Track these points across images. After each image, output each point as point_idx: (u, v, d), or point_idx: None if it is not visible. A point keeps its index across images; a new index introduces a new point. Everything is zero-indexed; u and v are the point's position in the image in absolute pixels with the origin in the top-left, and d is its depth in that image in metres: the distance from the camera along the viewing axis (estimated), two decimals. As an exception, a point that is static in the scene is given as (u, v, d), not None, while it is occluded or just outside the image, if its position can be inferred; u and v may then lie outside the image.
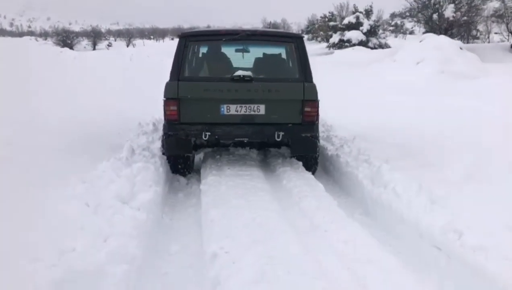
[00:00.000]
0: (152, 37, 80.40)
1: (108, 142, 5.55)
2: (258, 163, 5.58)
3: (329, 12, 38.19)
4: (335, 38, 30.88)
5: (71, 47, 47.86)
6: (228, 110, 4.77)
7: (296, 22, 72.27)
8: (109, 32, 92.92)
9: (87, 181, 3.67)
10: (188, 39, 4.94)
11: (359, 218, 4.09)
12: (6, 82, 9.48)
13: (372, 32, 29.66)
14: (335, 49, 29.67)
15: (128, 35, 68.42)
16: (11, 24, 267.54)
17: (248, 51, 5.95)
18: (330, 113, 7.38)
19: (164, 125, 4.94)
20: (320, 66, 19.29)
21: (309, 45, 37.38)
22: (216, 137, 4.89)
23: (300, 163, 5.31)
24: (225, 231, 3.28)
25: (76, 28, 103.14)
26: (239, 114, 4.80)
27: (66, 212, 3.07)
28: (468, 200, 3.54)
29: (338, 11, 37.66)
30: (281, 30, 6.66)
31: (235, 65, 5.62)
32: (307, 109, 4.83)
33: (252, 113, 4.80)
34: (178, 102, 4.71)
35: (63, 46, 46.78)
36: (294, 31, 62.69)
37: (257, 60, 5.63)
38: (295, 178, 4.80)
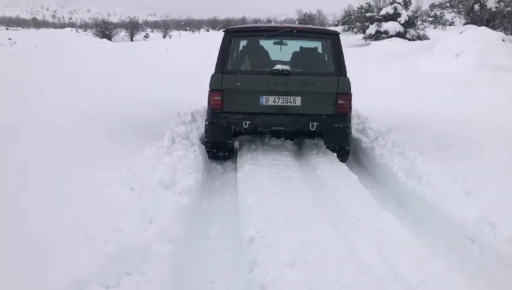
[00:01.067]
0: (188, 28, 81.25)
1: (149, 130, 5.78)
2: (293, 153, 5.72)
3: (366, 3, 37.50)
4: (372, 29, 30.37)
5: (109, 38, 48.97)
6: (266, 101, 5.14)
7: (331, 13, 71.41)
8: (146, 24, 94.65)
9: (131, 167, 3.90)
10: (232, 35, 5.32)
11: (393, 209, 4.15)
12: (53, 71, 10.01)
13: (410, 23, 29.01)
14: (372, 40, 29.22)
15: (165, 26, 69.43)
16: (53, 16, 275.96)
17: (286, 45, 6.24)
18: (365, 105, 7.40)
19: (208, 113, 5.36)
20: (356, 58, 19.12)
21: (344, 36, 36.90)
22: (255, 125, 5.36)
23: (335, 154, 5.44)
24: (262, 217, 3.44)
25: (114, 19, 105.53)
26: (276, 105, 5.15)
27: (113, 195, 3.29)
28: (503, 192, 3.55)
29: (375, 1, 36.89)
30: (318, 27, 6.92)
31: (274, 58, 5.91)
32: (340, 101, 5.11)
33: (289, 104, 5.14)
34: (222, 92, 5.12)
35: (102, 37, 48.07)
36: (330, 22, 62.07)
37: (295, 55, 5.95)
38: (329, 168, 4.91)
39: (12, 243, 2.47)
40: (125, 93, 8.52)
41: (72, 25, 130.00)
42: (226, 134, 5.43)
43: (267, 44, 6.00)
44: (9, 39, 35.42)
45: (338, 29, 44.77)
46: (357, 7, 40.35)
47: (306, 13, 55.69)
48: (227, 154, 5.74)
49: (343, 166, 5.09)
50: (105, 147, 4.81)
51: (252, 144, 5.83)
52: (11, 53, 20.22)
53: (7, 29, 75.67)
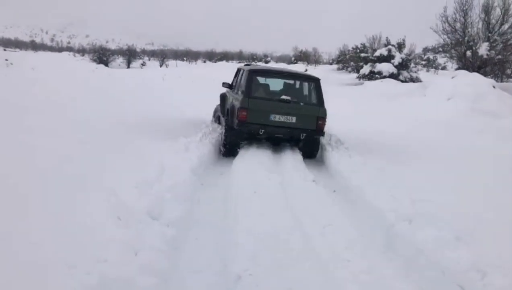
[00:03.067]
0: (185, 58, 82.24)
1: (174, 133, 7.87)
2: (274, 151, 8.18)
3: (361, 44, 38.38)
4: (366, 69, 30.92)
5: (106, 64, 49.36)
6: (274, 118, 7.71)
7: (327, 52, 72.70)
8: (144, 52, 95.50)
9: (178, 152, 6.22)
10: (253, 73, 8.09)
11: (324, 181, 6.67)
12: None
13: (403, 65, 29.61)
14: (366, 80, 29.71)
15: (162, 56, 70.12)
16: (52, 40, 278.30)
17: (286, 81, 8.90)
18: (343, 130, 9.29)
19: (235, 123, 7.73)
20: (349, 96, 19.38)
21: (339, 75, 37.59)
22: (266, 132, 7.79)
23: (300, 152, 8.14)
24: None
25: (112, 46, 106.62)
26: (280, 121, 7.73)
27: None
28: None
29: (370, 43, 37.81)
30: (307, 73, 9.13)
31: (278, 90, 8.62)
32: (319, 122, 7.80)
33: (288, 121, 7.75)
34: (248, 110, 7.54)
35: (99, 63, 48.45)
36: (325, 60, 63.05)
37: (292, 89, 8.67)
38: (292, 158, 7.65)
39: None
40: (139, 109, 11.36)
41: (70, 49, 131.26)
42: (242, 137, 8.03)
43: (275, 80, 8.71)
44: (6, 60, 35.46)
45: (333, 67, 45.58)
46: (352, 47, 41.25)
47: (302, 50, 56.68)
48: (237, 150, 7.81)
49: (300, 157, 7.84)
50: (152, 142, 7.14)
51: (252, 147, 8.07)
52: (6, 74, 20.25)
53: (4, 50, 76.06)
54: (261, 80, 8.58)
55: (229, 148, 7.94)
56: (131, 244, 3.07)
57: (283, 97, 7.78)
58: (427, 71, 40.34)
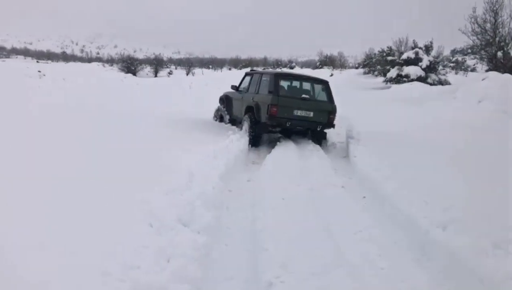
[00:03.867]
0: (210, 66, 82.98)
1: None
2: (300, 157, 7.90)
3: (387, 47, 37.90)
4: (393, 72, 30.46)
5: (134, 74, 50.19)
6: (297, 112, 9.15)
7: (352, 56, 72.21)
8: (171, 61, 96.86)
9: (207, 160, 6.39)
10: (278, 76, 9.53)
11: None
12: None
13: (431, 68, 29.04)
14: (393, 83, 29.28)
15: (188, 64, 70.88)
16: (82, 51, 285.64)
17: (304, 83, 10.36)
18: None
19: (263, 117, 9.21)
20: (376, 100, 19.12)
21: (365, 79, 37.24)
22: (291, 124, 9.21)
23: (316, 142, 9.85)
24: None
25: (140, 55, 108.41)
26: (302, 115, 9.20)
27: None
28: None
29: (396, 46, 37.24)
30: (319, 77, 10.70)
31: (298, 90, 10.05)
32: (331, 116, 9.39)
33: (307, 115, 9.24)
34: (277, 106, 8.94)
35: (127, 72, 49.31)
36: (350, 64, 62.57)
37: (308, 90, 10.10)
38: (319, 163, 7.73)
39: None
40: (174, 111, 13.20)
41: (99, 59, 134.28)
42: (265, 130, 9.67)
43: (294, 82, 10.37)
44: (39, 71, 36.59)
45: (359, 71, 45.19)
46: (378, 51, 40.77)
47: (327, 54, 56.40)
48: (260, 141, 9.70)
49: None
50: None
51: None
52: (40, 85, 20.85)
53: (37, 62, 78.52)
54: (283, 82, 9.98)
55: (254, 139, 9.46)
56: (163, 251, 3.09)
57: (304, 95, 9.39)
58: (456, 73, 39.47)
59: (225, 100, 11.83)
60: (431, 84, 26.99)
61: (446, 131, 10.89)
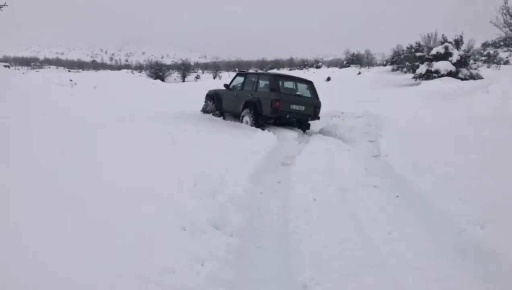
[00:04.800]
0: (237, 69, 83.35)
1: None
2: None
3: (416, 43, 37.17)
4: (422, 68, 29.84)
5: (162, 79, 50.85)
6: (293, 107, 11.07)
7: (380, 53, 70.99)
8: (197, 65, 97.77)
9: (236, 161, 6.09)
10: (277, 77, 11.93)
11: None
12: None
13: (462, 62, 28.30)
14: (422, 80, 28.69)
15: (215, 68, 71.36)
16: (111, 58, 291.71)
17: (297, 83, 12.32)
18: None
19: (267, 111, 10.95)
20: (404, 97, 18.76)
21: (393, 76, 36.57)
22: (289, 116, 11.14)
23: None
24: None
25: (167, 61, 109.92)
26: (296, 109, 11.14)
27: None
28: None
29: (425, 41, 36.45)
30: (305, 78, 13.44)
31: (292, 88, 11.95)
32: (316, 110, 11.52)
33: (300, 109, 11.22)
34: (280, 101, 10.75)
35: (155, 78, 50.02)
36: (378, 62, 61.58)
37: (300, 88, 12.02)
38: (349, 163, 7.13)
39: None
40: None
41: (127, 66, 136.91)
42: (266, 121, 11.41)
43: (288, 82, 12.14)
44: (70, 80, 37.62)
45: (387, 68, 44.48)
46: (407, 47, 40.05)
47: (354, 53, 55.77)
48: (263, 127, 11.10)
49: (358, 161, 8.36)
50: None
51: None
52: (72, 93, 21.40)
53: (69, 71, 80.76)
54: (282, 82, 11.78)
55: (257, 126, 11.13)
56: (197, 254, 3.11)
57: (298, 93, 11.60)
58: (488, 67, 38.34)
59: (215, 96, 13.64)
60: (462, 79, 26.32)
61: (481, 127, 10.59)
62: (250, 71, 19.82)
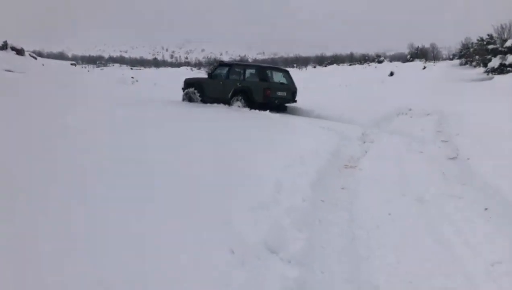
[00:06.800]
0: (295, 65, 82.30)
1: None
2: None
3: (488, 35, 34.55)
4: (495, 62, 27.57)
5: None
6: (279, 93, 13.22)
7: (446, 47, 67.28)
8: (255, 62, 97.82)
9: (293, 165, 4.71)
10: (264, 68, 13.93)
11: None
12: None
13: (541, 54, 25.86)
14: (495, 74, 26.50)
15: (273, 64, 70.88)
16: (171, 56, 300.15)
17: (282, 73, 14.50)
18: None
19: (259, 98, 12.77)
20: (477, 92, 17.21)
21: (461, 70, 34.39)
22: (277, 101, 13.26)
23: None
24: None
25: (226, 58, 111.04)
26: (281, 95, 13.33)
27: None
28: None
29: (498, 33, 33.81)
30: (284, 68, 16.92)
31: (275, 77, 13.88)
32: (294, 94, 13.80)
33: (283, 95, 13.44)
34: (270, 89, 12.81)
35: (213, 75, 50.24)
36: (444, 56, 58.42)
37: (281, 77, 14.08)
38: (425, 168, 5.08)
39: None
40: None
41: (187, 64, 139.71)
42: (256, 105, 12.75)
43: (272, 72, 14.12)
44: (132, 77, 38.89)
45: (454, 62, 42.01)
46: (477, 39, 37.41)
47: (418, 46, 53.20)
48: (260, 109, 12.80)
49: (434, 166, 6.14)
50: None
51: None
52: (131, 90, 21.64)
53: (131, 68, 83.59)
54: (268, 72, 13.72)
55: (250, 108, 12.78)
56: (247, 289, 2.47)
57: (281, 81, 13.86)
58: None
59: (196, 84, 14.56)
60: (543, 73, 23.99)
61: None
62: (232, 62, 21.61)
